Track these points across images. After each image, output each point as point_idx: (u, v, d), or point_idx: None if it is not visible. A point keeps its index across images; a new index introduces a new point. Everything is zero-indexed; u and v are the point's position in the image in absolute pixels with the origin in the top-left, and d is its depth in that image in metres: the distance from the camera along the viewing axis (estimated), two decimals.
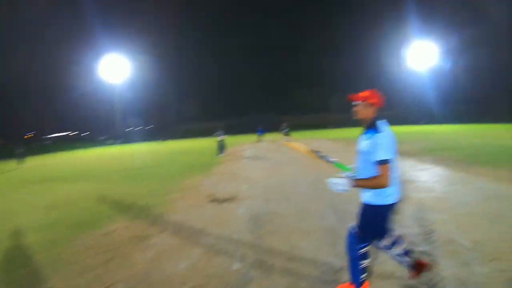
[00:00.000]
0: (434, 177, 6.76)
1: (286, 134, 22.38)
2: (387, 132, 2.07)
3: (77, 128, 64.39)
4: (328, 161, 2.47)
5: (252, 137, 31.44)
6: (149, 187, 7.82)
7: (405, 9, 42.93)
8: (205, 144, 26.68)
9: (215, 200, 5.96)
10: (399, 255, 2.27)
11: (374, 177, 1.99)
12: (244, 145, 23.16)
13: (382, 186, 1.96)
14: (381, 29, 47.96)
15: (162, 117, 61.15)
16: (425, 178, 6.68)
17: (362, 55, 53.42)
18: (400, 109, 45.67)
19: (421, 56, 41.53)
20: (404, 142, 15.43)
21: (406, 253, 2.29)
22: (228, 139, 30.79)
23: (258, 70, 68.99)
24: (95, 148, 39.85)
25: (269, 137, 31.06)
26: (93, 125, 59.46)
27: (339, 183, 2.08)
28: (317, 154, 2.59)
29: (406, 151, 11.25)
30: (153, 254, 3.52)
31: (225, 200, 5.90)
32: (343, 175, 2.16)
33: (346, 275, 2.62)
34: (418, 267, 2.31)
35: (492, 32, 36.97)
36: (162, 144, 33.57)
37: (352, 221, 2.43)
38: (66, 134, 65.12)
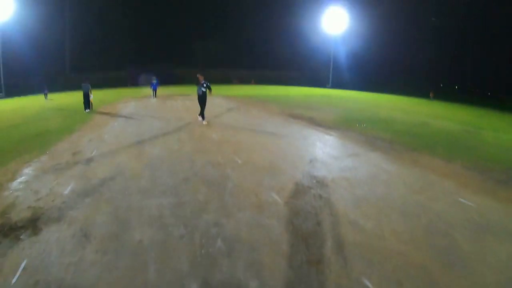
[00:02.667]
0: (377, 175, 4.55)
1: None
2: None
3: None
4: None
5: (145, 91, 22.96)
6: None
7: None
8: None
9: None
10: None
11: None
12: (127, 100, 17.98)
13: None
14: None
15: (54, 65, 46.25)
16: (362, 176, 4.40)
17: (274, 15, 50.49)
18: (310, 71, 46.51)
19: (335, 21, 41.31)
20: (316, 107, 13.76)
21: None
22: (114, 92, 24.26)
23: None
24: None
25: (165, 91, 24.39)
26: None
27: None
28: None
29: (323, 120, 9.35)
30: None
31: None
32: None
33: None
34: None
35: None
36: (41, 97, 23.44)
37: None
38: None
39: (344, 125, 8.93)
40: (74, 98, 17.21)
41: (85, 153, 5.69)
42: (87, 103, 12.47)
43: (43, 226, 2.88)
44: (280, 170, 4.69)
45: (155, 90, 18.49)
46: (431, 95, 26.95)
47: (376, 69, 41.11)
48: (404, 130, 8.78)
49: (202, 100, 9.05)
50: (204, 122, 8.87)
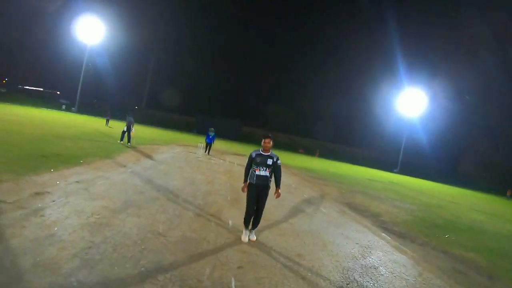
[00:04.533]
0: None
1: None
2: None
3: (47, 86, 57.01)
4: None
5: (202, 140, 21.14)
6: None
7: (396, 56, 41.49)
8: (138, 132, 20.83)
9: None
10: None
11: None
12: (177, 146, 17.70)
13: None
14: (371, 74, 46.67)
15: (132, 97, 55.40)
16: None
17: (352, 95, 51.48)
18: (378, 151, 44.18)
19: (411, 103, 39.78)
20: (383, 197, 11.64)
21: None
22: (173, 134, 25.68)
23: (241, 72, 65.48)
24: (42, 109, 33.19)
25: (225, 146, 24.34)
26: (62, 87, 52.61)
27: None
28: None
29: (392, 221, 7.42)
30: None
31: None
32: None
33: None
34: None
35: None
36: (102, 121, 27.57)
37: None
38: (35, 89, 57.78)
39: (421, 232, 6.82)
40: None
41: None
42: (128, 136, 12.83)
43: None
44: None
45: (209, 144, 15.68)
46: (508, 193, 24.55)
47: (450, 158, 36.69)
48: (500, 249, 6.47)
49: (259, 196, 4.30)
50: (252, 239, 4.41)
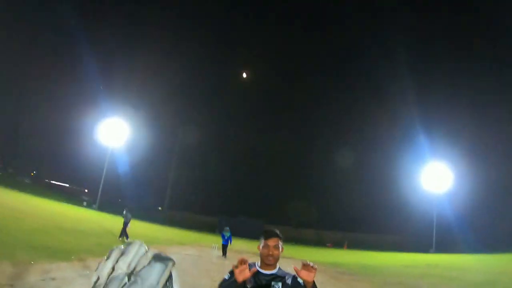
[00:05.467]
0: None
1: None
2: None
3: (74, 182, 59.70)
4: None
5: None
6: None
7: (418, 130, 41.91)
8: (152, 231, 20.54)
9: None
10: None
11: None
12: (189, 246, 16.62)
13: None
14: (393, 150, 46.63)
15: (152, 197, 55.88)
16: None
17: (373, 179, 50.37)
18: (409, 234, 40.63)
19: (435, 178, 38.13)
20: (420, 285, 9.72)
21: None
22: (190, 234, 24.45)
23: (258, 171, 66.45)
24: (62, 204, 33.84)
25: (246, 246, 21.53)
26: (87, 184, 54.78)
27: None
28: None
29: None
30: None
31: None
32: None
33: None
34: None
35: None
36: (120, 220, 26.99)
37: None
38: (61, 184, 60.42)
39: None
40: (145, 230, 17.44)
41: None
42: (123, 231, 13.15)
43: None
44: None
45: (225, 245, 13.96)
46: None
47: (486, 225, 32.76)
48: None
49: None
50: None
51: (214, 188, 57.65)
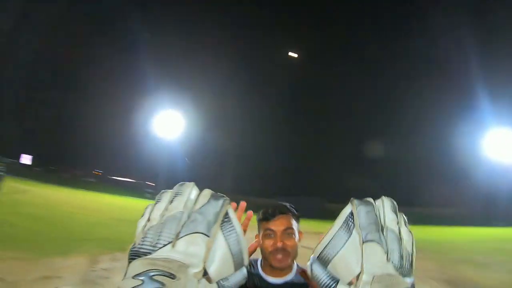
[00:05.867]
0: None
1: None
2: None
3: (133, 175, 63.26)
4: None
5: None
6: None
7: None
8: None
9: None
10: None
11: None
12: None
13: None
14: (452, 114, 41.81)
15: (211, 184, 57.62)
16: None
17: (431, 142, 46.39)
18: (468, 206, 37.39)
19: (496, 145, 34.43)
20: (491, 262, 8.61)
21: None
22: None
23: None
24: (124, 197, 36.87)
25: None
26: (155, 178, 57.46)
27: None
28: None
29: None
30: None
31: None
32: None
33: None
34: None
35: None
36: None
37: None
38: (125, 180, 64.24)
39: None
40: None
41: None
42: None
43: None
44: None
45: None
46: None
47: None
48: None
49: None
50: None
51: (269, 171, 57.87)
